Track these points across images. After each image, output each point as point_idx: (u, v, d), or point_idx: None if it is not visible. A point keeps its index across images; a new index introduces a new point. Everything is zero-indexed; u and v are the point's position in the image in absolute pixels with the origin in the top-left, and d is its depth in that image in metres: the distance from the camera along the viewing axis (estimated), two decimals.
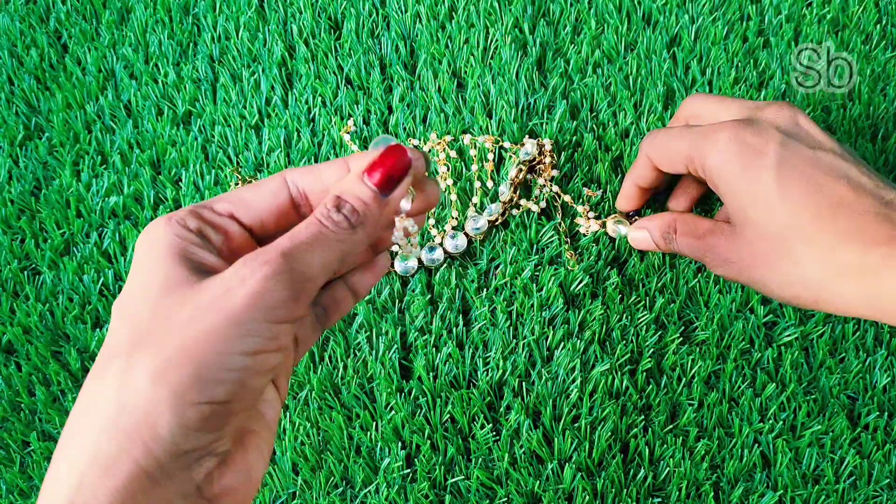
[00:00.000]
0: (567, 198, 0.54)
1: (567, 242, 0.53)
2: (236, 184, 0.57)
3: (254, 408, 0.28)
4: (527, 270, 0.52)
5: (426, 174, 0.30)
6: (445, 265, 0.53)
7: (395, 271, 0.52)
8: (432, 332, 0.51)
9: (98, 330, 0.53)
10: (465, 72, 0.59)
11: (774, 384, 0.49)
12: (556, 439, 0.48)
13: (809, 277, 0.37)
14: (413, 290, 0.52)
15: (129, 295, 0.26)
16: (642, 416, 0.49)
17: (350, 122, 0.58)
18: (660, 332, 0.50)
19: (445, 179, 0.55)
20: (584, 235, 0.53)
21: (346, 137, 0.57)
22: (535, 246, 0.53)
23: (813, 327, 0.50)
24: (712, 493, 0.47)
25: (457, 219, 0.54)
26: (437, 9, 0.61)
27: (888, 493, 0.47)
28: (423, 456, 0.48)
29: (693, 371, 0.49)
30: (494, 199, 0.55)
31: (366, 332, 0.51)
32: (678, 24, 0.60)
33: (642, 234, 0.47)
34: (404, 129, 0.58)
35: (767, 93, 0.57)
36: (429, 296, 0.52)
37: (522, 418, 0.48)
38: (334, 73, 0.60)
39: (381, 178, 0.28)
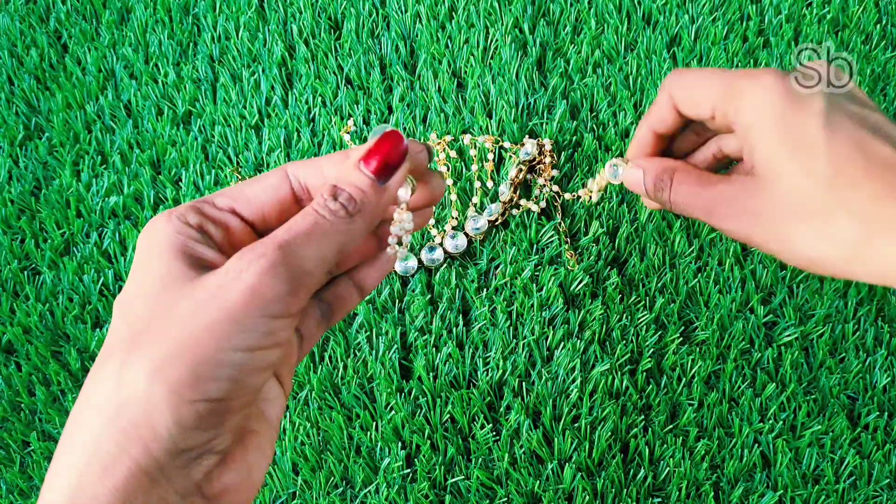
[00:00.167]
0: (567, 196, 0.54)
1: (567, 242, 0.53)
2: (236, 183, 0.57)
3: (253, 405, 0.27)
4: (527, 270, 0.52)
5: (429, 166, 0.30)
6: (445, 265, 0.53)
7: (395, 271, 0.52)
8: (432, 332, 0.51)
9: (98, 330, 0.53)
10: (465, 72, 0.59)
11: (774, 384, 0.49)
12: (556, 439, 0.48)
13: (846, 235, 0.33)
14: (413, 290, 0.52)
15: (129, 292, 0.26)
16: (642, 416, 0.49)
17: (350, 122, 0.58)
18: (660, 332, 0.50)
19: (445, 179, 0.55)
20: (587, 199, 0.50)
21: (346, 137, 0.57)
22: (535, 246, 0.53)
23: (813, 327, 0.50)
24: (712, 493, 0.47)
25: (457, 219, 0.54)
26: (437, 9, 0.61)
27: (888, 493, 0.47)
28: (423, 456, 0.48)
29: (693, 371, 0.49)
30: (494, 199, 0.55)
31: (366, 332, 0.51)
32: (678, 24, 0.60)
33: (636, 175, 0.40)
34: (404, 128, 0.58)
35: None
36: (429, 296, 0.52)
37: (522, 418, 0.48)
38: (334, 73, 0.60)
39: (377, 166, 0.27)
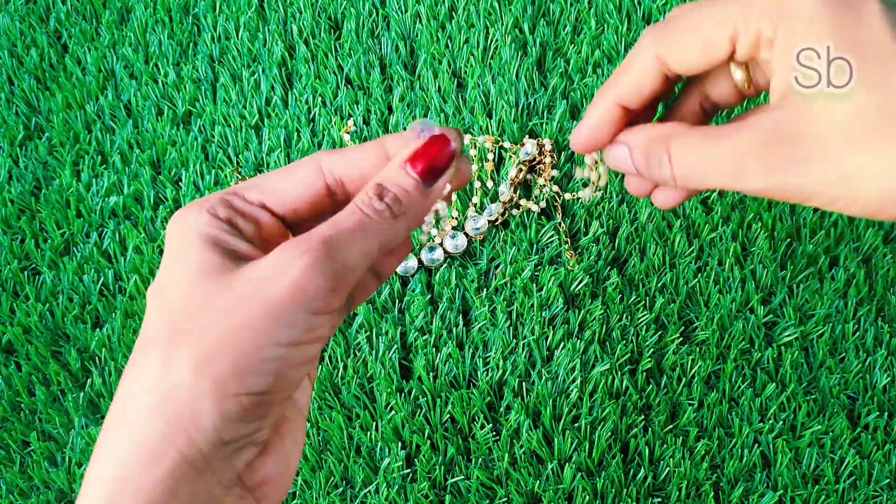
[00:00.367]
0: (568, 196, 0.54)
1: (567, 242, 0.53)
2: (236, 184, 0.57)
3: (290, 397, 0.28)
4: (527, 270, 0.52)
5: (461, 152, 0.30)
6: (445, 265, 0.53)
7: (394, 271, 0.52)
8: (432, 332, 0.51)
9: (98, 330, 0.53)
10: (465, 72, 0.59)
11: (774, 384, 0.49)
12: (556, 439, 0.48)
13: None
14: (413, 290, 0.52)
15: (163, 282, 0.26)
16: (642, 416, 0.49)
17: (350, 122, 0.58)
18: (660, 332, 0.50)
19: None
20: (594, 187, 0.41)
21: (346, 137, 0.57)
22: (535, 246, 0.53)
23: (813, 327, 0.50)
24: (712, 493, 0.47)
25: (457, 219, 0.54)
26: (437, 9, 0.61)
27: (888, 493, 0.47)
28: (423, 456, 0.48)
29: (693, 371, 0.49)
30: (494, 199, 0.55)
31: (366, 332, 0.51)
32: None
33: (621, 152, 0.32)
34: (404, 129, 0.58)
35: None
36: (429, 296, 0.52)
37: (522, 418, 0.48)
38: (334, 73, 0.60)
39: (424, 168, 0.27)
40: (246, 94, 0.60)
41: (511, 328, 0.51)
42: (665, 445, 0.48)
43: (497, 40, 0.60)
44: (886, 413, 0.48)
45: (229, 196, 0.27)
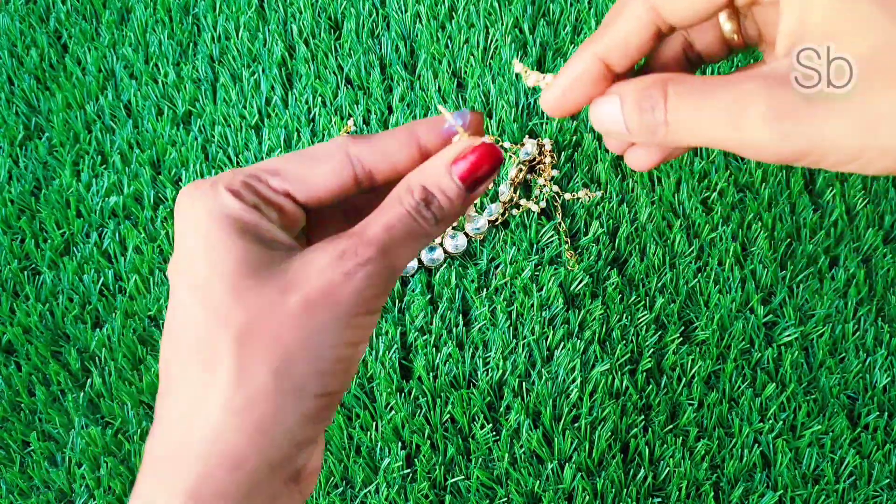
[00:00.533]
0: (568, 196, 0.54)
1: (567, 242, 0.53)
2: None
3: None
4: (527, 270, 0.52)
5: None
6: (445, 265, 0.53)
7: None
8: (432, 332, 0.51)
9: (98, 330, 0.53)
10: (465, 72, 0.59)
11: (774, 384, 0.49)
12: (556, 439, 0.48)
13: None
14: (413, 290, 0.52)
15: (202, 274, 0.25)
16: (642, 416, 0.49)
17: (350, 122, 0.58)
18: (660, 332, 0.50)
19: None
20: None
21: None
22: (535, 246, 0.53)
23: (813, 327, 0.50)
24: (712, 493, 0.47)
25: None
26: (437, 9, 0.61)
27: (888, 493, 0.47)
28: (423, 456, 0.48)
29: (693, 371, 0.49)
30: (494, 199, 0.55)
31: None
32: None
33: (609, 105, 0.27)
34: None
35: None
36: (429, 296, 0.52)
37: (522, 418, 0.48)
38: (334, 73, 0.60)
39: (469, 177, 0.27)
40: (246, 94, 0.60)
41: (511, 328, 0.51)
42: (665, 445, 0.48)
43: (497, 40, 0.60)
44: (886, 413, 0.48)
45: (254, 181, 0.26)
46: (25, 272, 0.55)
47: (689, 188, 0.53)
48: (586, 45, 0.27)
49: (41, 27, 0.64)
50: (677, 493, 0.47)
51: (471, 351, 0.50)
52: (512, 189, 0.54)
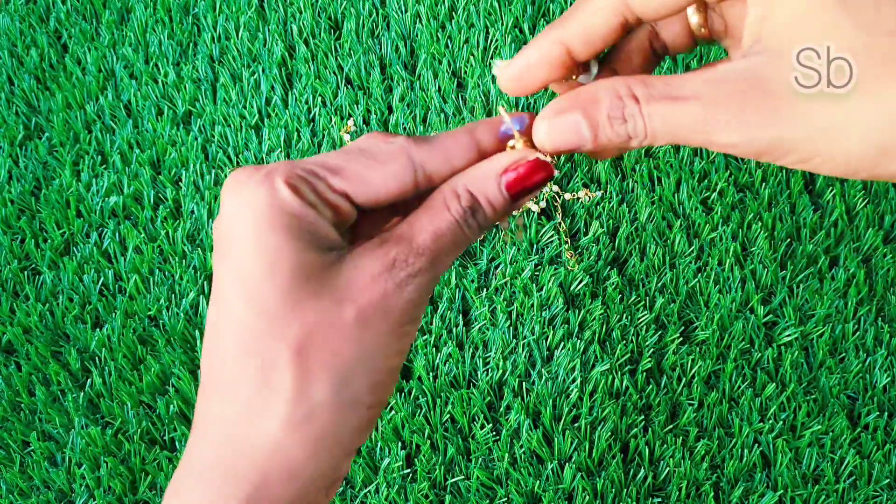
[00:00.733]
0: (568, 196, 0.54)
1: (567, 242, 0.53)
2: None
3: None
4: (527, 270, 0.52)
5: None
6: None
7: None
8: (432, 332, 0.51)
9: (98, 330, 0.53)
10: (465, 72, 0.59)
11: (774, 384, 0.49)
12: (556, 439, 0.48)
13: None
14: None
15: (253, 274, 0.24)
16: (642, 416, 0.49)
17: (350, 122, 0.58)
18: (660, 332, 0.50)
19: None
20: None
21: (346, 137, 0.57)
22: (535, 246, 0.53)
23: (813, 327, 0.50)
24: (712, 493, 0.47)
25: None
26: (437, 9, 0.61)
27: (888, 493, 0.47)
28: (423, 456, 0.48)
29: (693, 371, 0.49)
30: None
31: None
32: None
33: (569, 119, 0.26)
34: (405, 128, 0.58)
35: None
36: None
37: (522, 418, 0.48)
38: (334, 73, 0.60)
39: (516, 188, 0.27)
40: (246, 94, 0.60)
41: (511, 328, 0.51)
42: (665, 445, 0.48)
43: (497, 40, 0.60)
44: (886, 413, 0.48)
45: (314, 179, 0.25)
46: (25, 272, 0.55)
47: (689, 188, 0.53)
48: (551, 28, 0.27)
49: (41, 27, 0.64)
50: (677, 492, 0.47)
51: (471, 351, 0.50)
52: None
